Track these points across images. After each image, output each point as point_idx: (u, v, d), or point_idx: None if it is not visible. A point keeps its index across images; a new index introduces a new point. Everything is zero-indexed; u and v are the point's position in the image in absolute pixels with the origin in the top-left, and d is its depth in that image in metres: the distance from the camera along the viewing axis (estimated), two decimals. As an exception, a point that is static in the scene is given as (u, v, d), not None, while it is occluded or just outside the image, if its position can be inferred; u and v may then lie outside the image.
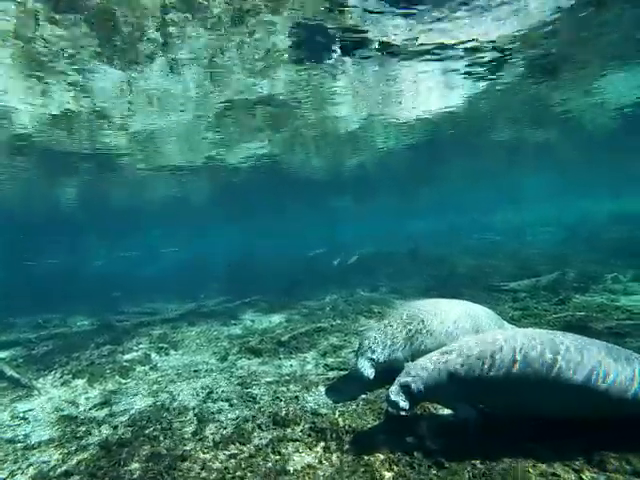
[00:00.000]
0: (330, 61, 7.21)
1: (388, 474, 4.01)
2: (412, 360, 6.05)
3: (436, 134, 14.08)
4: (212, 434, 5.35)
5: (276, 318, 12.04)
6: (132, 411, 6.44)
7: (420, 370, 4.46)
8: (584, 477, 3.54)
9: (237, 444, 4.98)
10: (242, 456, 4.69)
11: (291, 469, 4.30)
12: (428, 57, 7.26)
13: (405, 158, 17.88)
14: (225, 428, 5.47)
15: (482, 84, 9.14)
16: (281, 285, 16.57)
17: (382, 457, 4.26)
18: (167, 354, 9.52)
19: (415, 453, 4.21)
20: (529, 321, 8.86)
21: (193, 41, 6.34)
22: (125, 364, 8.76)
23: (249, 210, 28.79)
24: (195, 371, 8.03)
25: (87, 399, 7.27)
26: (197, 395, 6.77)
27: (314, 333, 9.46)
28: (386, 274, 17.71)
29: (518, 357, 3.96)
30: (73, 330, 12.47)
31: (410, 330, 6.05)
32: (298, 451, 4.65)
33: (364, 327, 9.86)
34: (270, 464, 4.44)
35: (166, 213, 25.40)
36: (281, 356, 8.42)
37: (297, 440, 4.86)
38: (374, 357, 5.81)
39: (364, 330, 9.61)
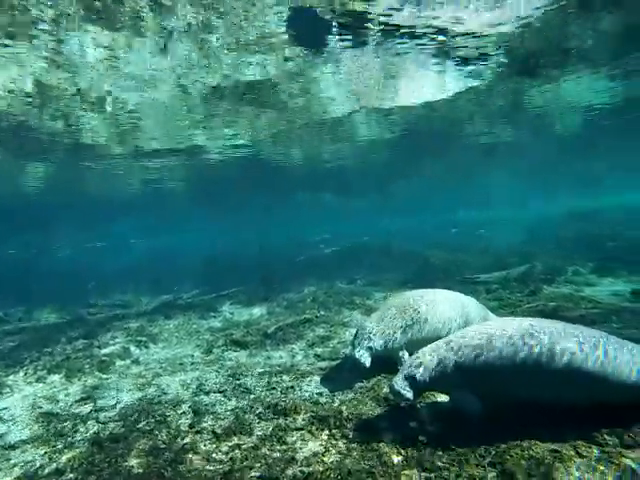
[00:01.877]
0: (328, 47, 7.14)
1: (397, 458, 4.11)
2: (407, 348, 6.24)
3: (415, 128, 14.35)
4: (210, 426, 5.26)
5: (256, 310, 11.95)
6: (120, 405, 6.23)
7: (424, 360, 4.55)
8: (580, 451, 3.78)
9: (239, 435, 4.94)
10: (246, 447, 4.65)
11: (299, 457, 4.32)
12: (423, 43, 7.34)
13: (383, 153, 18.11)
14: (223, 419, 5.40)
15: (466, 80, 9.40)
16: (259, 278, 16.42)
17: (388, 442, 4.35)
18: (147, 347, 9.23)
19: (420, 437, 4.34)
20: (506, 311, 9.26)
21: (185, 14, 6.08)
22: (104, 358, 8.42)
23: (225, 202, 28.20)
24: (180, 364, 7.84)
25: (67, 395, 6.95)
26: (187, 388, 6.63)
27: (300, 325, 9.47)
28: (362, 267, 17.95)
29: (521, 344, 4.11)
30: (41, 324, 11.83)
31: (406, 319, 6.19)
32: (303, 439, 4.67)
33: (349, 318, 9.98)
34: (277, 454, 4.43)
35: (138, 202, 24.42)
36: (268, 348, 8.38)
37: (300, 429, 4.88)
38: (371, 345, 5.90)
39: (350, 320, 9.74)
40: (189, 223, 40.50)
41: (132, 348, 9.15)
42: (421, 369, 4.49)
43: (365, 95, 10.00)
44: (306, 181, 23.10)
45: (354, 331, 8.97)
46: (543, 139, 18.53)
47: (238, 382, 6.57)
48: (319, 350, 7.87)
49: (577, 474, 3.48)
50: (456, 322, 6.47)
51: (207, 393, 6.31)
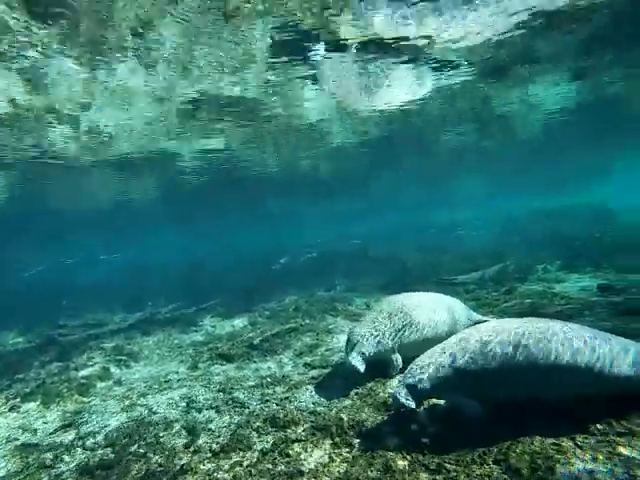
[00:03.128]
0: (313, 59, 7.21)
1: (402, 462, 4.14)
2: (399, 352, 6.30)
3: (387, 132, 14.65)
4: (207, 444, 5.12)
5: (238, 322, 11.76)
6: (107, 430, 5.95)
7: (424, 368, 4.55)
8: (578, 442, 3.94)
9: (239, 451, 4.83)
10: (248, 463, 4.56)
11: (305, 469, 4.27)
12: (399, 57, 7.56)
13: (355, 157, 18.33)
14: (220, 436, 5.26)
15: (438, 82, 9.71)
16: (237, 289, 16.18)
17: (392, 447, 4.38)
18: (128, 367, 8.89)
19: (422, 439, 4.39)
20: (485, 310, 9.54)
21: (168, 35, 6.02)
22: (83, 381, 8.03)
23: (197, 213, 27.59)
24: (166, 381, 7.59)
25: (45, 423, 6.58)
26: (177, 406, 6.42)
27: (285, 334, 9.39)
28: (340, 274, 18.04)
29: (518, 346, 4.21)
30: (8, 349, 11.15)
31: (396, 323, 6.26)
32: (306, 450, 4.62)
33: (333, 325, 9.99)
34: (282, 467, 4.36)
35: (107, 216, 23.55)
36: (255, 359, 8.26)
37: (302, 440, 4.83)
38: (364, 351, 5.93)
39: (335, 327, 9.75)
40: (160, 236, 39.44)
41: (112, 368, 8.78)
42: (422, 377, 4.49)
43: (345, 100, 10.14)
44: (281, 187, 23.04)
45: (341, 337, 9.06)
46: (510, 142, 19.34)
47: (230, 397, 6.43)
48: (308, 359, 7.82)
49: (578, 464, 3.62)
50: (445, 324, 6.60)
51: (199, 410, 6.14)
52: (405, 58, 8.24)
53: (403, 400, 4.44)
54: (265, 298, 14.46)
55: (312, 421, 5.21)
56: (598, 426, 4.07)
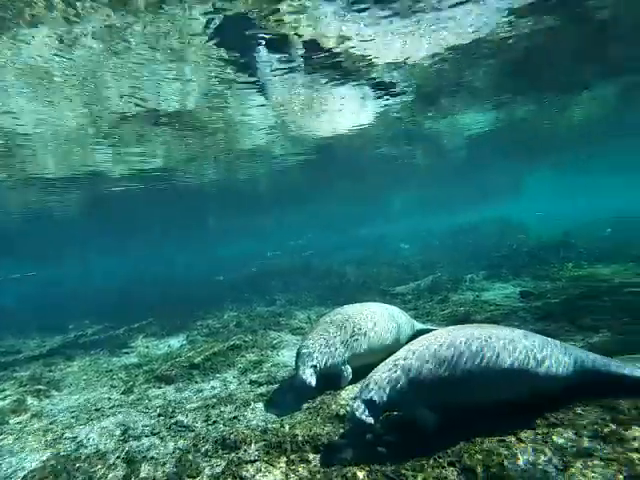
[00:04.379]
0: (255, 58, 7.10)
1: (361, 473, 4.12)
2: (348, 363, 6.33)
3: (326, 152, 15.00)
4: (150, 474, 4.71)
5: (175, 341, 11.10)
6: (23, 473, 5.21)
7: (381, 382, 4.54)
8: (519, 436, 4.18)
9: (187, 478, 4.49)
10: (198, 490, 4.26)
11: (261, 490, 4.08)
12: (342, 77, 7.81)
13: (292, 175, 18.49)
14: (164, 464, 4.86)
15: (382, 106, 10.19)
16: (171, 307, 15.31)
17: (350, 459, 4.35)
18: (49, 396, 7.94)
19: (379, 448, 4.42)
20: (424, 319, 9.98)
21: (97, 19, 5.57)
22: (-8, 417, 7.02)
23: (124, 228, 25.83)
24: (97, 409, 6.89)
25: (-55, 468, 5.62)
26: (111, 435, 5.85)
27: (228, 351, 9.03)
28: (278, 288, 17.86)
29: (472, 352, 4.39)
30: None
31: (346, 334, 6.31)
32: (261, 471, 4.42)
33: (277, 340, 9.82)
34: (236, 491, 4.14)
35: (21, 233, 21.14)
36: (197, 380, 7.82)
37: (255, 460, 4.62)
38: (316, 364, 5.88)
39: (279, 342, 9.57)
40: (84, 252, 36.27)
41: (29, 399, 7.79)
42: (380, 392, 4.47)
43: (290, 119, 10.23)
44: (218, 202, 22.46)
45: (285, 352, 8.92)
46: (438, 161, 20.74)
47: (172, 421, 6.00)
48: (254, 376, 7.57)
49: (523, 457, 3.86)
50: (391, 333, 6.78)
51: (137, 438, 5.64)
52: (344, 75, 8.52)
53: (363, 417, 4.37)
54: (202, 315, 13.86)
55: (265, 439, 5.02)
56: (536, 421, 4.39)
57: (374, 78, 8.49)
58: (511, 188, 39.90)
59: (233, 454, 4.82)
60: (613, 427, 3.92)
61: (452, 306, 10.96)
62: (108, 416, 6.54)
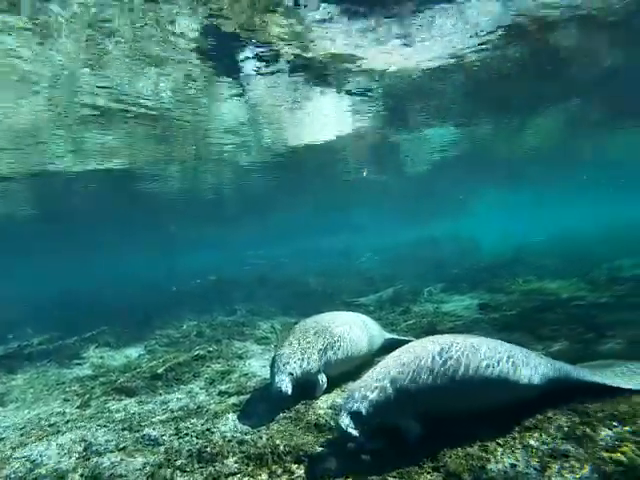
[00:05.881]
0: (242, 74, 7.05)
1: (347, 482, 4.10)
2: (325, 372, 6.30)
3: (295, 165, 15.07)
4: (120, 493, 4.40)
5: (132, 352, 10.51)
6: (-29, 494, 4.71)
7: (366, 393, 4.52)
8: (499, 441, 4.35)
9: (162, 495, 4.24)
10: (176, 506, 4.03)
11: (245, 504, 3.94)
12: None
13: (256, 184, 18.36)
14: (135, 481, 4.56)
15: (356, 120, 10.44)
16: (126, 316, 14.50)
17: (333, 468, 4.31)
18: (-9, 412, 7.21)
19: (362, 457, 4.42)
20: (388, 329, 10.17)
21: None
22: None
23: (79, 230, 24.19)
24: (50, 425, 6.35)
25: None
26: (71, 452, 5.40)
27: (192, 362, 8.69)
28: (238, 298, 17.49)
29: (455, 362, 4.49)
30: None
31: (321, 342, 6.29)
32: (242, 484, 4.28)
33: (243, 350, 9.60)
34: (218, 505, 3.96)
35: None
36: (161, 391, 7.44)
37: (235, 473, 4.46)
38: (292, 372, 5.81)
39: (245, 352, 9.34)
40: (30, 258, 33.53)
41: (-33, 416, 7.03)
42: (366, 403, 4.45)
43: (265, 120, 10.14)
44: (177, 209, 21.74)
45: (253, 362, 8.72)
46: (399, 177, 21.44)
47: (139, 435, 5.65)
48: (223, 387, 7.34)
49: (503, 460, 4.02)
50: (365, 342, 6.85)
51: (101, 454, 5.25)
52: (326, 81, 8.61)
53: (349, 429, 4.33)
54: (160, 325, 13.26)
55: (243, 451, 4.85)
56: (513, 425, 4.57)
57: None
58: (463, 205, 41.91)
59: (211, 468, 4.62)
60: (583, 429, 4.19)
61: (415, 317, 11.24)
62: (65, 432, 6.04)
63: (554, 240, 27.22)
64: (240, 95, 8.32)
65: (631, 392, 4.61)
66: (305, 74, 7.74)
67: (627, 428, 4.08)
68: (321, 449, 4.69)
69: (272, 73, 7.45)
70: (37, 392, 8.06)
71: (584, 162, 23.34)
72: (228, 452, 4.88)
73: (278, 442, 4.89)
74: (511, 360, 4.65)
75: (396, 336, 8.33)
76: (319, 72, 7.78)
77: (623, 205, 51.29)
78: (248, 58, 6.85)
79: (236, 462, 4.66)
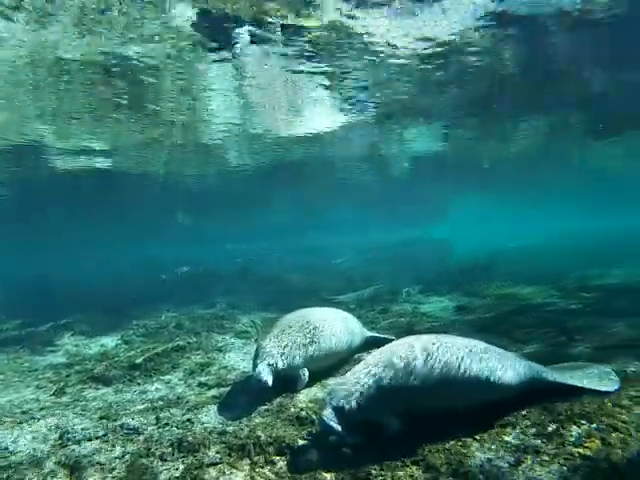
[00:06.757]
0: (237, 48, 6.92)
1: (329, 475, 4.18)
2: (306, 366, 6.37)
3: (283, 159, 15.04)
4: (98, 480, 4.36)
5: (108, 340, 10.32)
6: (-60, 480, 4.56)
7: (349, 389, 4.59)
8: (476, 437, 4.52)
9: (142, 484, 4.23)
10: (157, 495, 4.03)
11: (227, 493, 3.98)
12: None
13: (242, 179, 18.22)
14: (114, 470, 4.52)
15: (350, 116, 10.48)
16: (102, 305, 14.19)
17: (315, 460, 4.39)
18: (-42, 398, 6.97)
19: (344, 450, 4.51)
20: (369, 327, 10.32)
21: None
22: None
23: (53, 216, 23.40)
24: (23, 412, 6.21)
25: None
26: (46, 440, 5.30)
27: (172, 352, 8.61)
28: (218, 292, 17.38)
29: (437, 360, 4.60)
30: None
31: (304, 337, 6.35)
32: (224, 474, 4.30)
33: (223, 343, 9.57)
34: (199, 495, 3.98)
35: None
36: (139, 381, 7.37)
37: (217, 463, 4.48)
38: (272, 362, 5.86)
39: (225, 345, 9.32)
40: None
41: None
42: (349, 399, 4.52)
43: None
44: (160, 199, 21.34)
45: (233, 355, 8.71)
46: (380, 178, 21.67)
47: (117, 424, 5.59)
48: (202, 378, 7.32)
49: (479, 455, 4.19)
50: (347, 338, 6.96)
51: (78, 442, 5.18)
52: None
53: (332, 424, 4.39)
54: (137, 315, 13.04)
55: (224, 441, 4.88)
56: (489, 422, 4.75)
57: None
58: (440, 209, 42.70)
59: (192, 457, 4.63)
60: (554, 426, 4.41)
61: (394, 316, 11.43)
62: (39, 419, 5.92)
63: (525, 249, 28.01)
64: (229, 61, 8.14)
65: (598, 392, 4.88)
66: (298, 47, 7.63)
67: (594, 425, 4.31)
68: (303, 442, 4.77)
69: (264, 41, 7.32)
70: (8, 379, 7.84)
71: (561, 170, 24.14)
72: (209, 442, 4.89)
73: (260, 434, 4.94)
74: (490, 360, 4.82)
75: (377, 334, 8.47)
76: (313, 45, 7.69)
77: (592, 217, 53.38)
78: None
79: (218, 452, 4.69)
